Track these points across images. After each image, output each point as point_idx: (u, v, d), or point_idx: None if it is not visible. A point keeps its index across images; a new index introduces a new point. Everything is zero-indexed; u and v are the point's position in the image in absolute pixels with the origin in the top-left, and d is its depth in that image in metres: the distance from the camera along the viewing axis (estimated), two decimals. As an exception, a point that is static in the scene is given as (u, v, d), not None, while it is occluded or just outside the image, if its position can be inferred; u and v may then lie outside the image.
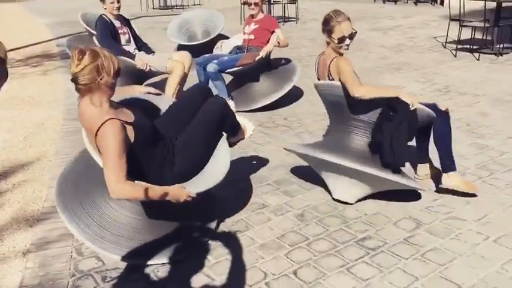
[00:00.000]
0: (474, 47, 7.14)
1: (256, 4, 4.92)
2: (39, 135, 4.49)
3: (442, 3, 12.07)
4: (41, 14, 12.68)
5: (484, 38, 7.16)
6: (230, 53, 5.10)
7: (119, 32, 4.76)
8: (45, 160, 3.92)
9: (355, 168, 2.80)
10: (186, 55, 4.91)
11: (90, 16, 6.50)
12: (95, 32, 5.96)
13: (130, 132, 2.37)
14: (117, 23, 4.77)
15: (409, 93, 3.10)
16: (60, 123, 4.76)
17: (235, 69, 4.84)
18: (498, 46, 7.08)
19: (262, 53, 4.77)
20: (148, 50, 5.03)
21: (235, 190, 3.32)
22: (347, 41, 3.05)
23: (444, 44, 7.71)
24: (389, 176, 2.83)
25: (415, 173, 3.36)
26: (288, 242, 2.70)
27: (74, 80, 2.30)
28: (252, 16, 5.03)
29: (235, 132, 2.95)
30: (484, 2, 6.52)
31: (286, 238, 2.74)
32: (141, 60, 4.59)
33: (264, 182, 3.43)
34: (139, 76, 4.76)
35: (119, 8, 4.77)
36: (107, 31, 4.63)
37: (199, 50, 6.34)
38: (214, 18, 6.56)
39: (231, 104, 4.82)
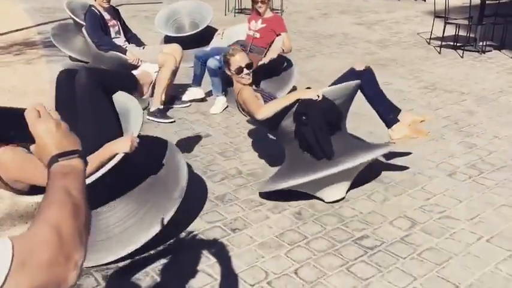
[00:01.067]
0: (458, 44, 7.26)
1: (263, 2, 4.82)
2: (26, 127, 4.40)
3: (424, -2, 12.19)
4: (19, -1, 12.34)
5: (468, 35, 7.28)
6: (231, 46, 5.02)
7: (109, 24, 4.68)
8: (35, 154, 3.86)
9: (326, 175, 2.87)
10: (177, 48, 4.86)
11: (76, 4, 6.37)
12: (80, 21, 5.87)
13: None
14: (106, 15, 4.68)
15: (306, 89, 3.11)
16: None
17: None
18: (481, 44, 7.21)
19: (265, 60, 4.66)
20: (138, 42, 4.96)
21: (230, 187, 3.33)
22: (245, 71, 3.24)
23: (428, 40, 7.81)
24: (358, 161, 2.93)
25: (390, 138, 3.39)
26: (287, 240, 2.73)
27: None
28: (259, 13, 4.91)
29: (132, 88, 2.98)
30: None
31: (286, 236, 2.77)
32: (133, 55, 4.53)
33: (258, 179, 3.44)
34: (131, 70, 4.69)
35: (109, 1, 4.67)
36: (97, 24, 4.55)
37: (187, 42, 6.31)
38: (202, 10, 6.49)
39: (222, 99, 4.80)
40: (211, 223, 2.90)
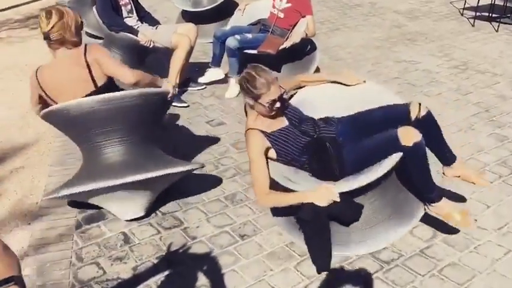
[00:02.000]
0: (493, 15, 6.79)
1: None
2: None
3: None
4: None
5: (505, 4, 6.78)
6: (253, 25, 4.74)
7: (120, 3, 4.46)
8: (44, 143, 3.77)
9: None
10: (191, 28, 4.63)
11: (90, -23, 6.16)
12: (96, -4, 5.67)
13: None
14: None
15: (320, 190, 2.32)
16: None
17: (253, 51, 4.46)
18: (518, 15, 6.72)
19: (287, 44, 4.35)
20: (152, 21, 4.75)
21: (242, 185, 3.18)
22: (277, 104, 2.54)
23: (461, 10, 7.33)
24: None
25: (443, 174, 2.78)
26: (297, 250, 2.58)
27: (47, 37, 2.63)
28: None
29: None
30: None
31: (296, 246, 2.61)
32: (145, 36, 4.33)
33: (272, 176, 3.27)
34: (143, 51, 4.52)
35: None
36: (107, 3, 4.33)
37: (205, 17, 6.07)
38: (220, -18, 6.18)
39: (235, 81, 4.59)
40: (219, 228, 2.76)
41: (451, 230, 2.69)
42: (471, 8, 7.12)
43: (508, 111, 4.15)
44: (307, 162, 2.56)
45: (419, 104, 2.59)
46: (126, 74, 2.71)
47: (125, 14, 4.50)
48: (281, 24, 4.58)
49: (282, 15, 4.57)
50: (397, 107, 2.63)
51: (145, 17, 4.75)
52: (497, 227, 2.73)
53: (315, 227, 2.38)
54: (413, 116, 2.53)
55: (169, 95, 2.96)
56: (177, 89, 4.52)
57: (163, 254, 2.55)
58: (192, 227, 2.76)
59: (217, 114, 4.22)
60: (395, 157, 2.38)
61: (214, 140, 3.78)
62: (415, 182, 2.51)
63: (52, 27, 2.59)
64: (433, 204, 2.50)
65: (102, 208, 2.86)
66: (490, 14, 6.79)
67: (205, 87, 4.75)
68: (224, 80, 4.75)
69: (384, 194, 2.57)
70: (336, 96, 2.87)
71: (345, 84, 2.88)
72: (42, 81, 2.67)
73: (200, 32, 6.06)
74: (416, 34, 6.37)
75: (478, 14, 6.85)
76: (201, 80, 4.74)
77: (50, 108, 2.63)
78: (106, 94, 2.56)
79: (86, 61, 2.63)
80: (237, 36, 4.45)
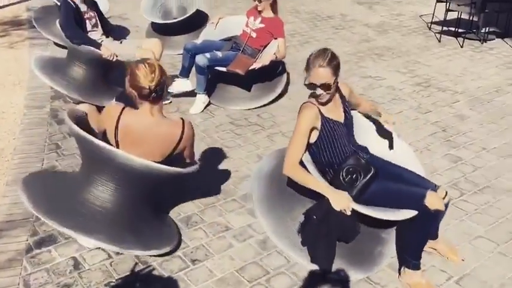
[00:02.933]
0: (459, 30, 6.95)
1: (259, 0, 4.49)
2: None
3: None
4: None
5: (471, 19, 6.95)
6: (225, 40, 4.75)
7: (85, 16, 4.44)
8: (2, 160, 3.73)
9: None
10: (156, 42, 4.64)
11: (59, -13, 6.11)
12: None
13: None
14: (83, 7, 4.44)
15: (342, 195, 2.43)
16: (22, 111, 4.53)
17: (223, 69, 4.48)
18: (483, 31, 6.90)
19: (256, 65, 4.39)
20: (118, 35, 4.75)
21: (199, 206, 3.20)
22: (319, 90, 2.52)
23: (429, 25, 7.49)
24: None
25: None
26: (247, 276, 2.62)
27: (154, 91, 2.50)
28: (260, 11, 4.58)
29: None
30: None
31: (246, 272, 2.65)
32: (108, 50, 4.33)
33: (229, 197, 3.31)
34: (107, 66, 4.51)
35: None
36: (70, 17, 4.29)
37: (175, 28, 6.08)
38: (190, -7, 6.22)
39: (203, 98, 4.61)
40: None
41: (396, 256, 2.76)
42: (439, 22, 7.28)
43: (465, 131, 4.27)
44: (335, 167, 2.60)
45: (446, 193, 2.62)
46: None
47: (89, 27, 4.48)
48: (253, 43, 4.62)
49: (254, 34, 4.61)
50: (426, 181, 2.66)
51: (111, 31, 4.75)
52: (443, 251, 2.81)
53: (322, 228, 2.45)
54: (432, 204, 2.47)
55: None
56: None
57: (113, 280, 2.56)
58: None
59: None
60: (411, 212, 2.46)
61: (175, 159, 3.79)
62: (411, 242, 2.58)
63: (157, 84, 2.48)
64: (410, 270, 2.56)
65: (52, 230, 2.86)
66: (456, 29, 6.95)
67: (170, 102, 4.76)
68: (191, 94, 4.76)
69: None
70: (369, 132, 2.96)
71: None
72: (123, 123, 2.54)
73: (169, 44, 6.10)
74: (384, 49, 6.48)
75: (444, 28, 7.02)
76: (168, 89, 4.73)
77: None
78: (152, 163, 2.51)
79: (180, 138, 2.58)
80: (207, 55, 4.47)
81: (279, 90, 4.75)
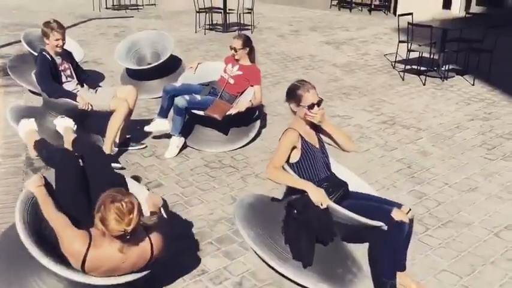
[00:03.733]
0: (421, 68, 7.32)
1: (235, 49, 4.72)
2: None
3: (394, 12, 12.28)
4: (-14, 13, 12.08)
5: (432, 58, 7.33)
6: (203, 85, 4.93)
7: (60, 68, 4.57)
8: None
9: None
10: (131, 90, 4.77)
11: (34, 36, 6.26)
12: (36, 54, 5.75)
13: None
14: (58, 59, 4.57)
15: (319, 190, 2.77)
16: (-3, 161, 4.58)
17: (201, 113, 4.65)
18: (444, 69, 7.28)
19: (233, 111, 4.59)
20: (92, 82, 4.88)
21: (173, 251, 3.29)
22: (316, 108, 2.95)
23: (393, 64, 7.86)
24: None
25: None
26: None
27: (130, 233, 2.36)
28: (237, 59, 4.81)
29: None
30: (430, 28, 6.67)
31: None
32: (83, 100, 4.44)
33: (204, 241, 3.41)
34: (82, 114, 4.62)
35: (62, 46, 4.55)
36: (46, 71, 4.42)
37: (149, 73, 6.25)
38: (163, 40, 6.43)
39: (177, 141, 4.73)
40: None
41: (367, 291, 2.90)
42: (402, 61, 7.65)
43: (428, 167, 4.49)
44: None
45: (409, 209, 2.92)
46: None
47: (64, 78, 4.61)
48: (230, 90, 4.82)
49: (232, 81, 4.82)
50: (391, 201, 3.00)
51: (86, 79, 4.87)
52: (409, 286, 2.96)
53: (302, 221, 2.76)
54: (397, 216, 2.77)
55: None
56: (116, 148, 4.66)
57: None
58: (122, 298, 2.84)
59: (155, 175, 4.35)
60: (380, 223, 2.75)
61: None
62: (383, 258, 2.82)
63: (134, 227, 2.35)
64: (386, 279, 2.79)
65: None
66: (419, 68, 7.32)
67: (146, 146, 4.88)
68: (167, 136, 4.88)
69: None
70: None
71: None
72: (90, 261, 2.41)
73: (144, 88, 6.26)
74: (351, 88, 6.78)
75: (407, 67, 7.39)
76: (146, 128, 4.83)
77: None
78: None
79: (151, 257, 2.52)
80: (186, 97, 4.63)
81: (252, 134, 4.93)
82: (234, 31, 10.22)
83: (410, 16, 7.42)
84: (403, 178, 4.28)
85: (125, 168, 4.42)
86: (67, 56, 4.71)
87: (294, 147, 2.92)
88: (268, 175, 2.91)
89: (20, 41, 6.68)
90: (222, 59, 5.19)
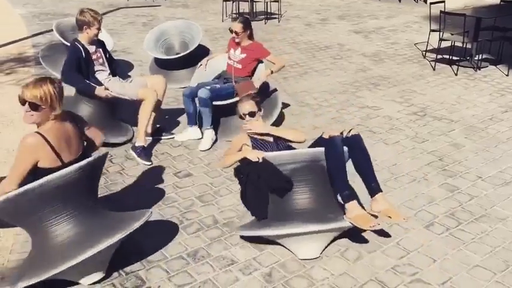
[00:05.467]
0: (453, 58, 7.15)
1: (236, 33, 4.77)
2: (9, 164, 4.37)
3: (425, 0, 12.00)
4: (17, 2, 12.27)
5: (464, 47, 7.16)
6: (217, 78, 4.95)
7: (93, 57, 4.62)
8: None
9: (302, 231, 2.98)
10: (160, 81, 4.80)
11: (65, 26, 6.35)
12: (68, 44, 5.82)
13: None
14: (91, 48, 4.60)
15: (252, 150, 3.26)
16: (32, 148, 4.67)
17: (231, 100, 4.66)
18: (477, 58, 7.09)
19: (257, 84, 4.69)
20: (123, 75, 4.91)
21: (205, 241, 3.32)
22: (247, 118, 3.44)
23: (424, 53, 7.70)
24: (332, 225, 3.00)
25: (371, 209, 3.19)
26: (253, 309, 2.72)
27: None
28: (238, 42, 4.87)
29: None
30: (463, 17, 6.49)
31: (252, 305, 2.75)
32: (102, 92, 4.47)
33: (233, 231, 3.42)
34: (112, 102, 4.68)
35: (97, 34, 4.58)
36: (74, 61, 4.43)
37: (178, 63, 6.27)
38: (191, 30, 6.43)
39: (211, 134, 4.74)
40: (179, 287, 2.89)
41: (397, 286, 2.87)
42: (433, 51, 7.49)
43: (460, 159, 4.40)
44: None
45: (351, 129, 3.26)
46: None
47: (96, 67, 4.65)
48: (240, 73, 4.86)
49: (239, 66, 4.86)
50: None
51: (117, 68, 4.91)
52: (441, 281, 2.91)
53: (248, 181, 3.14)
54: (326, 134, 3.18)
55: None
56: (149, 138, 4.71)
57: (125, 316, 2.66)
58: (153, 286, 2.89)
59: (184, 165, 4.37)
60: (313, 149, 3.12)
61: (180, 193, 3.92)
62: (331, 177, 3.07)
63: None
64: (347, 205, 3.00)
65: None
66: (451, 57, 7.16)
67: (174, 137, 4.90)
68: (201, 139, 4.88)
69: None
70: None
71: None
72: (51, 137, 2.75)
73: (172, 78, 6.29)
74: (380, 78, 6.67)
75: (439, 56, 7.22)
76: (177, 138, 4.82)
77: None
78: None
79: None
80: (207, 87, 4.66)
81: (275, 116, 4.89)
82: (261, 20, 10.16)
83: (443, 4, 7.25)
84: (434, 171, 4.21)
85: (151, 164, 4.46)
86: (100, 45, 4.75)
87: (244, 144, 3.36)
88: (221, 165, 3.60)
89: (51, 30, 6.79)
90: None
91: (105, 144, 4.03)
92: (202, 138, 4.75)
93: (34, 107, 2.72)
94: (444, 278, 2.94)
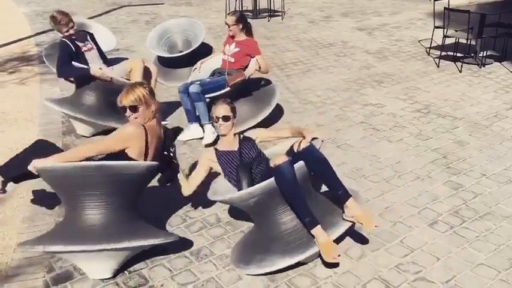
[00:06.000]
0: (457, 55, 7.12)
1: (228, 25, 4.85)
2: (12, 163, 4.40)
3: (429, -4, 11.93)
4: (20, 0, 12.29)
5: (469, 44, 7.12)
6: (212, 75, 5.00)
7: (83, 50, 4.69)
8: (17, 197, 3.87)
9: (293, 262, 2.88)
10: (151, 66, 5.00)
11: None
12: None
13: None
14: (79, 43, 4.70)
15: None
16: (35, 147, 4.67)
17: (222, 91, 4.71)
18: (481, 55, 7.05)
19: (247, 73, 4.72)
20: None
21: (208, 239, 3.31)
22: (220, 121, 3.41)
23: (428, 50, 7.66)
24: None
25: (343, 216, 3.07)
26: (256, 308, 2.71)
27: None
28: (232, 36, 4.93)
29: None
30: (467, 13, 6.45)
31: (255, 304, 2.75)
32: (98, 70, 4.53)
33: (237, 229, 3.42)
34: (113, 92, 4.70)
35: (73, 28, 4.65)
36: (66, 55, 4.56)
37: (181, 61, 6.27)
38: (194, 28, 6.42)
39: (210, 127, 4.74)
40: (183, 285, 2.89)
41: (401, 284, 2.85)
42: (437, 47, 7.45)
43: (465, 157, 4.38)
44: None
45: (301, 141, 3.08)
46: None
47: (89, 59, 4.73)
48: (234, 67, 4.89)
49: (232, 59, 4.88)
50: None
51: (111, 64, 4.98)
52: (445, 279, 2.90)
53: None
54: (273, 162, 2.93)
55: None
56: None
57: (127, 314, 2.66)
58: (156, 285, 2.89)
59: (188, 164, 4.37)
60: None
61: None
62: (289, 205, 2.94)
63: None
64: (312, 231, 2.87)
65: (68, 266, 2.98)
66: (455, 54, 7.12)
67: (168, 123, 4.89)
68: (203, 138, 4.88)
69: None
70: None
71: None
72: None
73: (176, 76, 6.30)
74: (384, 75, 6.64)
75: (443, 53, 7.19)
76: (180, 137, 4.80)
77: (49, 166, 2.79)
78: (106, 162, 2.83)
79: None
80: (197, 82, 4.76)
81: (273, 104, 4.89)
82: (264, 17, 10.14)
83: (447, 0, 7.21)
84: (438, 168, 4.19)
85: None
86: (87, 37, 4.85)
87: (210, 160, 3.37)
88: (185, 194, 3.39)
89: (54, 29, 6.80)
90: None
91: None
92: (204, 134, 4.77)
93: (133, 109, 3.00)
94: (448, 276, 2.92)
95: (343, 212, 3.04)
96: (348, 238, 3.26)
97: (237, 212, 3.62)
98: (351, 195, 3.01)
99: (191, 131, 4.80)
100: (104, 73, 4.56)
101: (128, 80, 4.69)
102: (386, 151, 4.50)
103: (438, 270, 2.98)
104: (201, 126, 4.79)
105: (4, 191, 3.27)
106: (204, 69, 5.14)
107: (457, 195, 3.78)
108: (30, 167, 2.83)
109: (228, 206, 3.68)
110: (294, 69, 6.93)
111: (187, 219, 3.55)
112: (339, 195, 3.02)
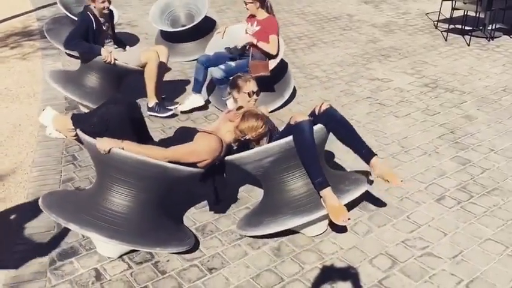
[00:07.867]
0: (466, 28, 6.98)
1: (245, 2, 4.66)
2: (16, 139, 4.39)
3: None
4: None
5: (477, 16, 6.97)
6: (231, 52, 4.81)
7: (103, 28, 4.56)
8: (21, 173, 3.85)
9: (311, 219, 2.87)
10: (163, 49, 4.78)
11: (69, -1, 6.25)
12: (73, 17, 5.76)
13: None
14: (102, 19, 4.56)
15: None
16: (38, 123, 4.63)
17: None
18: (490, 28, 6.92)
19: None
20: (126, 44, 4.88)
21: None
22: (254, 96, 3.53)
23: (436, 23, 7.52)
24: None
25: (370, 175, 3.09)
26: (262, 283, 2.71)
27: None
28: (253, 15, 4.74)
29: None
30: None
31: (261, 279, 2.74)
32: (107, 52, 4.38)
33: (242, 205, 3.40)
34: (118, 75, 4.63)
35: (109, 7, 4.51)
36: (82, 31, 4.37)
37: (184, 35, 6.17)
38: (196, 2, 6.30)
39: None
40: (189, 261, 2.88)
41: (408, 259, 2.84)
42: (445, 20, 7.31)
43: (472, 132, 4.32)
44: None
45: (322, 103, 3.05)
46: None
47: (106, 40, 4.62)
48: (256, 48, 4.70)
49: (255, 40, 4.69)
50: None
51: (120, 40, 4.88)
52: (452, 255, 2.88)
53: None
54: (293, 119, 2.91)
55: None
56: (163, 96, 4.77)
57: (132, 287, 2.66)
58: (162, 261, 2.88)
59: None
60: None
61: (188, 168, 3.88)
62: (303, 163, 2.89)
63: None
64: (322, 193, 2.83)
65: (73, 242, 2.98)
66: (463, 27, 6.98)
67: (178, 105, 4.83)
68: (204, 106, 4.84)
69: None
70: None
71: None
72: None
73: (179, 51, 6.21)
74: (391, 49, 6.53)
75: (451, 26, 7.05)
76: (181, 108, 4.78)
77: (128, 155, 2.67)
78: None
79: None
80: (222, 66, 4.62)
81: (287, 95, 4.83)
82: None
83: (456, -28, 7.03)
84: (446, 144, 4.13)
85: (177, 115, 4.55)
86: (109, 16, 4.71)
87: None
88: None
89: (55, 3, 6.69)
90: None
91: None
92: (204, 107, 4.79)
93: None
94: (455, 252, 2.90)
95: (365, 175, 3.07)
96: (353, 213, 3.24)
97: (242, 188, 3.59)
98: (375, 154, 3.00)
99: (192, 101, 4.76)
100: (110, 58, 4.37)
101: (141, 68, 4.57)
102: (393, 126, 4.45)
103: (445, 245, 2.96)
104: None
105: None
106: (228, 34, 4.90)
107: (465, 171, 3.74)
108: (101, 147, 2.62)
109: (233, 179, 3.66)
110: (299, 44, 6.82)
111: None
112: (363, 154, 3.00)
